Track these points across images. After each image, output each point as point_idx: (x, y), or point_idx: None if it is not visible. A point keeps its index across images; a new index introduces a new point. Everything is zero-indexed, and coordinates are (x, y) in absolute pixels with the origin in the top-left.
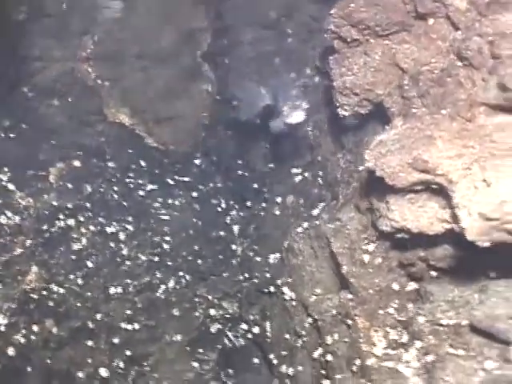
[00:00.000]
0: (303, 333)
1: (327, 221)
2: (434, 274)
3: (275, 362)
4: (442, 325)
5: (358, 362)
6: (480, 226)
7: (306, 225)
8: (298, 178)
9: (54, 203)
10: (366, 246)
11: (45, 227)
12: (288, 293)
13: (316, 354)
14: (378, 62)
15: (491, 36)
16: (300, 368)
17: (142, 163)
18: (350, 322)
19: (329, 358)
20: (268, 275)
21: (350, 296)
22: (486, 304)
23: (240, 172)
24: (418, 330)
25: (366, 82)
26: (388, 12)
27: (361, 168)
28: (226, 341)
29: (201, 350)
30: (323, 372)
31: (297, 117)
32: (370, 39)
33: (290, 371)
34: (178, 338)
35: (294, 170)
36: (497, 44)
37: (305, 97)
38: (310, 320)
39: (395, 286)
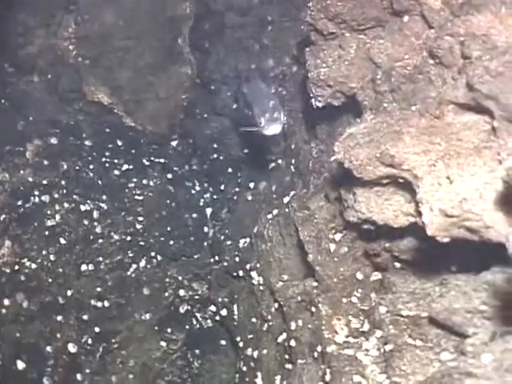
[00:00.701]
0: (269, 317)
1: (296, 209)
2: (397, 265)
3: (241, 344)
4: (402, 315)
5: (319, 348)
6: (440, 222)
7: (275, 212)
8: (271, 165)
9: (30, 179)
10: (333, 235)
11: (19, 203)
12: (256, 277)
13: (280, 339)
14: (353, 55)
15: (462, 36)
16: (264, 352)
17: (119, 143)
18: (313, 309)
19: (292, 343)
20: (237, 259)
21: (314, 284)
22: (446, 297)
23: (215, 156)
24: (379, 319)
25: (340, 74)
26: (364, 7)
27: (332, 158)
28: (194, 322)
29: (169, 330)
30: (287, 357)
31: (274, 129)
32: (345, 33)
33: (255, 354)
34: (147, 316)
35: (268, 157)
36: (467, 44)
37: (283, 105)
38: (276, 305)
39: (359, 276)
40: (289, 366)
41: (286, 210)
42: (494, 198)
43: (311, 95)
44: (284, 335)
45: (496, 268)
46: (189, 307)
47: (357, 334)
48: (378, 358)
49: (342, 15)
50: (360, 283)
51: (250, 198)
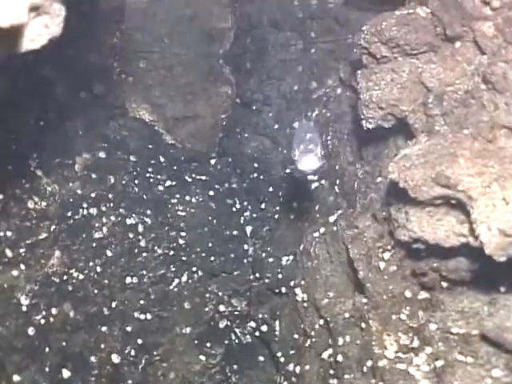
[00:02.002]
0: (313, 333)
1: (345, 227)
2: (444, 284)
3: (282, 360)
4: (452, 333)
5: (369, 363)
6: (498, 242)
7: (322, 230)
8: (314, 185)
9: (79, 191)
10: (382, 253)
11: (69, 214)
12: (300, 294)
13: (325, 355)
14: (405, 79)
15: None
16: (307, 367)
17: (162, 159)
18: (363, 325)
19: (339, 358)
20: (280, 276)
21: (364, 300)
22: (496, 316)
23: (256, 175)
24: (429, 336)
25: (392, 97)
26: (418, 32)
27: (379, 179)
28: (234, 337)
29: (208, 344)
30: (331, 372)
31: (309, 163)
32: (398, 57)
33: (297, 370)
34: (188, 330)
35: (311, 177)
36: None
37: (320, 138)
38: (321, 321)
39: (408, 294)
40: (333, 381)
41: (333, 228)
42: None
43: (362, 117)
44: (329, 351)
45: None
46: (228, 322)
47: (406, 350)
48: (429, 373)
49: (396, 39)
50: (408, 301)
51: (292, 216)
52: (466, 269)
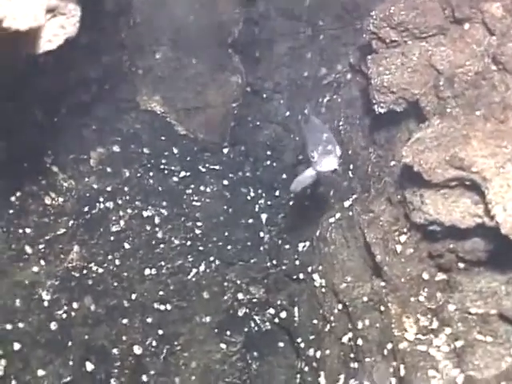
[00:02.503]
0: (332, 318)
1: (360, 212)
2: (461, 265)
3: (302, 345)
4: (470, 313)
5: (389, 345)
6: None
7: (338, 215)
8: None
9: (95, 186)
10: (398, 237)
11: (86, 209)
12: (318, 279)
13: (345, 339)
14: (415, 62)
15: None
16: (327, 352)
17: (175, 150)
18: (382, 308)
19: (359, 342)
20: (297, 262)
21: (382, 284)
22: None
23: (269, 162)
24: (448, 317)
25: (403, 81)
26: (427, 16)
27: (392, 163)
28: (253, 324)
29: (228, 333)
30: (352, 355)
31: (328, 164)
32: (407, 41)
33: (318, 354)
34: (207, 319)
35: None
36: None
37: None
38: (339, 306)
39: (425, 276)
40: (354, 364)
41: (349, 213)
42: None
43: (373, 102)
44: (349, 335)
45: None
46: (247, 310)
47: (426, 331)
48: (450, 353)
49: (405, 23)
50: (426, 283)
51: (306, 203)
52: (482, 249)
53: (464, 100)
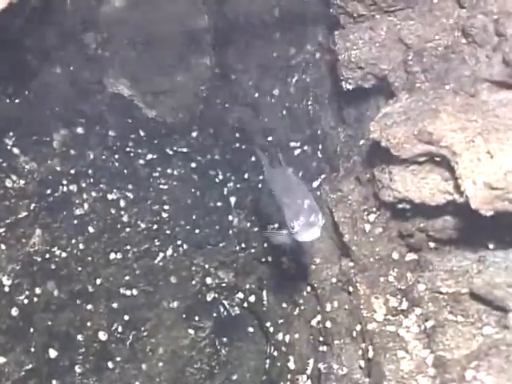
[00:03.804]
0: (301, 301)
1: (328, 191)
2: (432, 245)
3: (271, 329)
4: (441, 292)
5: (358, 327)
6: (484, 196)
7: None
8: (296, 152)
9: (58, 168)
10: (367, 216)
11: (48, 192)
12: (286, 262)
13: (314, 322)
14: (383, 37)
15: (496, 14)
16: (297, 335)
17: (141, 133)
18: (351, 288)
19: (328, 324)
20: (265, 245)
21: (351, 264)
22: (485, 273)
23: (238, 145)
24: (418, 297)
25: (371, 56)
26: None
27: (361, 142)
28: (222, 309)
29: (196, 318)
30: (321, 339)
31: (311, 235)
32: (375, 15)
33: (287, 339)
34: (175, 304)
35: (293, 144)
36: (501, 22)
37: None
38: (308, 288)
39: (395, 256)
40: (323, 348)
41: (317, 193)
42: None
43: (341, 78)
44: (318, 317)
45: None
46: (216, 295)
47: (395, 312)
48: (420, 334)
49: None
50: (396, 263)
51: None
52: (452, 227)
53: (433, 74)
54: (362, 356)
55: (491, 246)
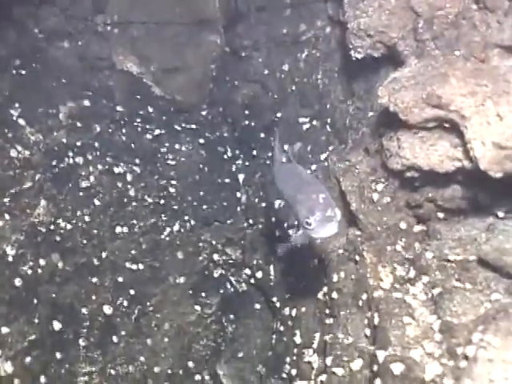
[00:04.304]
0: (308, 274)
1: (336, 161)
2: (441, 215)
3: (278, 304)
4: (449, 260)
5: (364, 296)
6: (493, 156)
7: (314, 167)
8: (305, 126)
9: (64, 140)
10: (375, 185)
11: (54, 163)
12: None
13: (320, 294)
14: (393, 5)
15: None
16: (303, 309)
17: (150, 110)
18: (357, 257)
19: (334, 295)
20: (273, 220)
21: (358, 232)
22: (494, 240)
23: (247, 122)
24: (426, 265)
25: (381, 24)
26: None
27: (370, 114)
28: (229, 286)
29: (203, 294)
30: (327, 311)
31: (328, 231)
32: None
33: (293, 313)
34: (182, 280)
35: (302, 119)
36: None
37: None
38: (315, 261)
39: (403, 225)
40: (329, 320)
41: (325, 164)
42: None
43: (350, 47)
44: (324, 289)
45: None
46: (223, 271)
47: (402, 281)
48: (427, 301)
49: None
50: (403, 232)
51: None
52: (461, 197)
53: (443, 41)
54: (367, 324)
55: (501, 215)
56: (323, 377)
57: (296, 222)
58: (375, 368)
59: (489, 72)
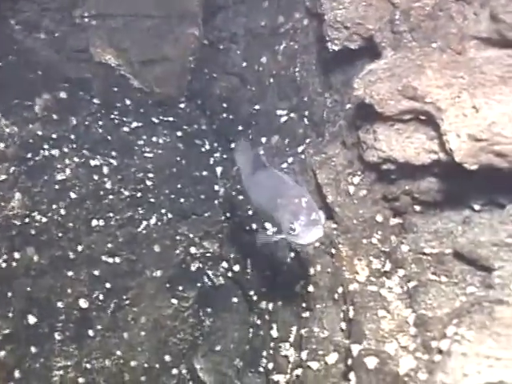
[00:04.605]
0: (284, 268)
1: (312, 154)
2: (417, 208)
3: (255, 298)
4: (424, 253)
5: (340, 290)
6: (468, 148)
7: (290, 160)
8: (283, 119)
9: (39, 133)
10: (351, 178)
11: (29, 155)
12: (271, 228)
13: (297, 288)
14: None
15: None
16: (280, 303)
17: (127, 102)
18: (333, 250)
19: (310, 289)
20: (250, 213)
21: (334, 225)
22: (470, 233)
23: (225, 115)
24: (401, 258)
25: (357, 15)
26: None
27: (348, 106)
28: (206, 279)
29: (180, 288)
30: (304, 305)
31: (314, 235)
32: None
33: (270, 307)
34: (158, 273)
35: (280, 112)
36: None
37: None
38: (291, 254)
39: (379, 218)
40: (306, 314)
41: (302, 156)
42: None
43: (327, 38)
44: (301, 283)
45: None
46: (200, 265)
47: (378, 274)
48: (402, 294)
49: None
50: (380, 225)
51: (261, 152)
52: (438, 189)
53: (420, 33)
54: (343, 318)
55: (477, 208)
56: (299, 371)
57: (277, 229)
58: (349, 362)
59: (465, 64)
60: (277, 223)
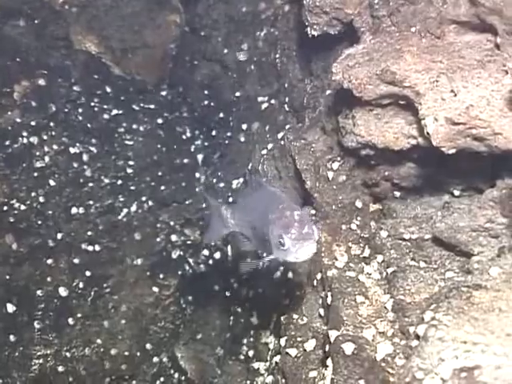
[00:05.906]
0: (264, 254)
1: (292, 140)
2: (397, 194)
3: (235, 286)
4: (404, 239)
5: (318, 276)
6: (446, 131)
7: (270, 146)
8: (264, 106)
9: (18, 120)
10: (331, 164)
11: (7, 143)
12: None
13: (277, 274)
14: None
15: None
16: (260, 290)
17: (108, 89)
18: None
19: (290, 275)
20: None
21: (313, 211)
22: (449, 218)
23: (206, 102)
24: (380, 243)
25: (336, 0)
26: None
27: (328, 92)
28: (187, 267)
29: (161, 275)
30: (283, 291)
31: (307, 251)
32: None
33: (250, 294)
34: (139, 261)
35: (261, 99)
36: None
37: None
38: None
39: (358, 204)
40: (286, 301)
41: (281, 142)
42: (501, 105)
43: (307, 24)
44: (281, 269)
45: (502, 184)
46: (181, 252)
47: (357, 260)
48: (381, 280)
49: None
50: (359, 211)
51: (242, 139)
52: (417, 175)
53: (399, 17)
54: (321, 304)
55: (457, 193)
56: (278, 357)
57: (267, 245)
58: (327, 348)
59: (444, 48)
60: (268, 243)
